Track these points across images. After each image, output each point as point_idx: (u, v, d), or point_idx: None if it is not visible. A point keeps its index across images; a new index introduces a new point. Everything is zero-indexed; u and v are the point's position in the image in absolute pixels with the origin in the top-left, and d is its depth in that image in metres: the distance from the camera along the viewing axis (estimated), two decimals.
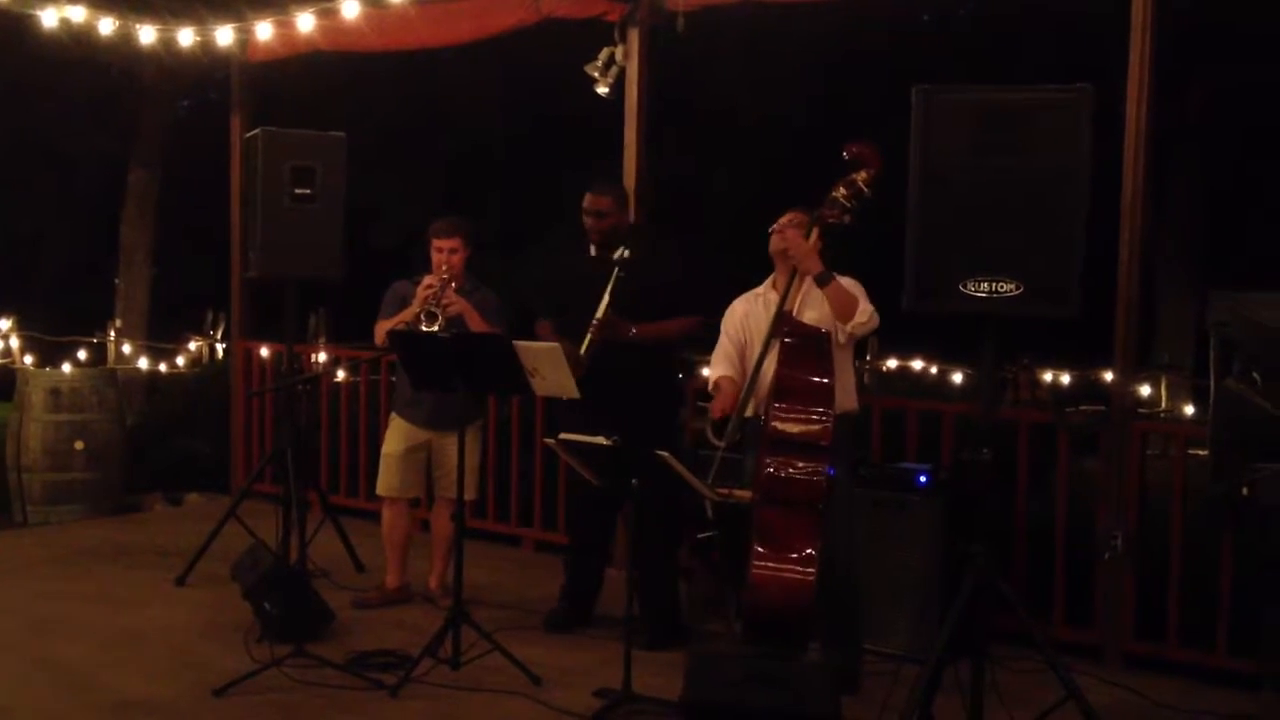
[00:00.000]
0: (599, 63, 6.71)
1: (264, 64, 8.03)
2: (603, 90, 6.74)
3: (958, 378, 14.65)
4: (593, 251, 5.72)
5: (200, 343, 12.96)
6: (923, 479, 5.49)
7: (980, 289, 3.95)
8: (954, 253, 4.00)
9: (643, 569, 5.60)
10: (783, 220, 5.06)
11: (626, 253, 5.43)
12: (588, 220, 5.68)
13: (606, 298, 5.41)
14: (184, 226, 13.64)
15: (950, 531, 5.40)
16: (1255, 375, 4.23)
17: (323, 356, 8.63)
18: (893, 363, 12.17)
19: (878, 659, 5.29)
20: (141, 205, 12.75)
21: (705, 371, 8.11)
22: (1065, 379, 17.22)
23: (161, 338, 11.65)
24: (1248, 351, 4.26)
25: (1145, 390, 14.12)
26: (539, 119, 12.96)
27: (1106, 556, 5.33)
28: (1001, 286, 3.93)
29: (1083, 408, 6.83)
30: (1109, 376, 14.20)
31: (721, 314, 5.29)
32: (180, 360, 12.06)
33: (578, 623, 5.83)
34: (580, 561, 5.89)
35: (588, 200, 5.70)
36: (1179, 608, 5.34)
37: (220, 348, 12.95)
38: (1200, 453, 6.10)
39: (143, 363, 10.45)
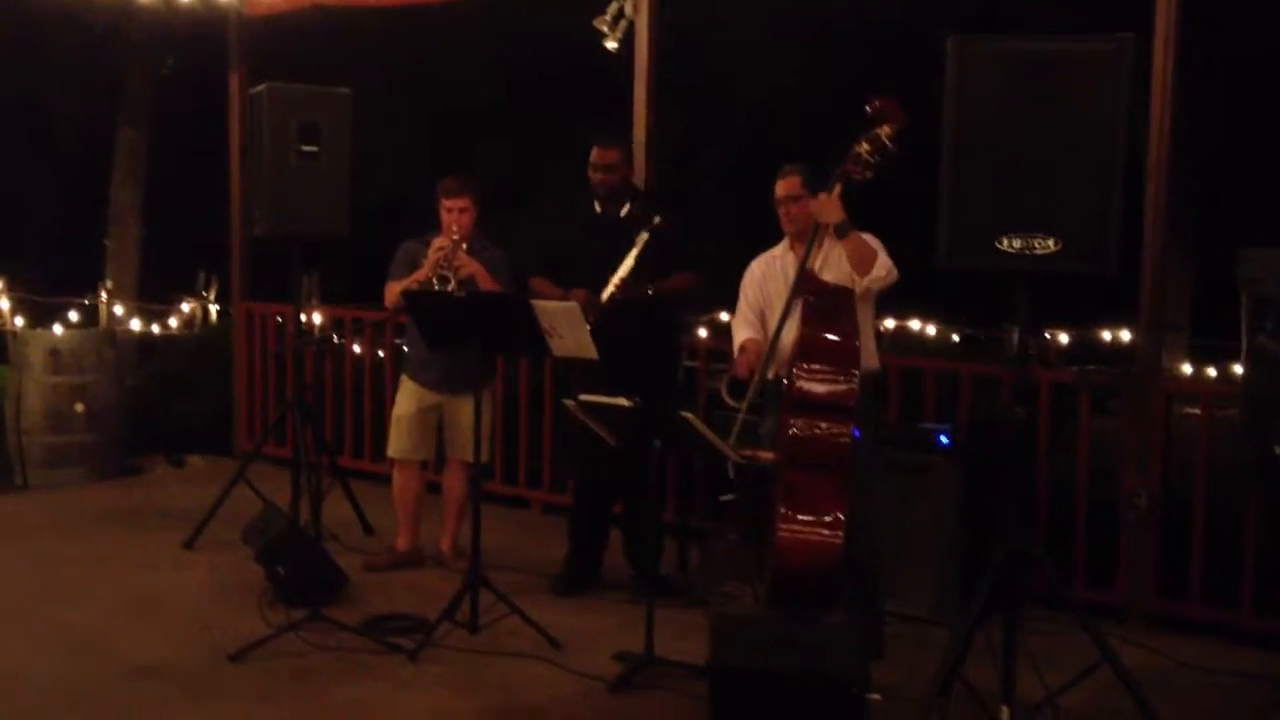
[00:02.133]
0: (608, 17, 6.59)
1: (264, 19, 7.88)
2: (612, 45, 6.61)
3: (956, 338, 14.61)
4: (597, 207, 5.63)
5: (193, 304, 12.83)
6: (943, 440, 5.42)
7: (1016, 245, 3.85)
8: (988, 208, 3.90)
9: (635, 525, 5.64)
10: (781, 188, 4.97)
11: (658, 219, 5.39)
12: (595, 175, 5.60)
13: (632, 260, 5.36)
14: (172, 186, 13.46)
15: (971, 492, 5.34)
16: None
17: (317, 317, 8.52)
18: (890, 323, 12.12)
19: (898, 621, 5.25)
20: (130, 165, 12.57)
21: (702, 332, 8.12)
22: (1063, 338, 17.20)
23: (152, 299, 11.54)
24: None
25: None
26: (538, 76, 12.77)
27: (1131, 517, 5.28)
28: (1038, 244, 3.84)
29: (1088, 367, 6.75)
30: (1107, 335, 14.13)
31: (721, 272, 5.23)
32: (173, 321, 11.94)
33: (586, 585, 5.78)
34: (585, 522, 5.82)
35: (595, 154, 5.61)
36: (1202, 567, 5.29)
37: (214, 309, 12.83)
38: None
39: (135, 324, 10.35)
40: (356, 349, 8.02)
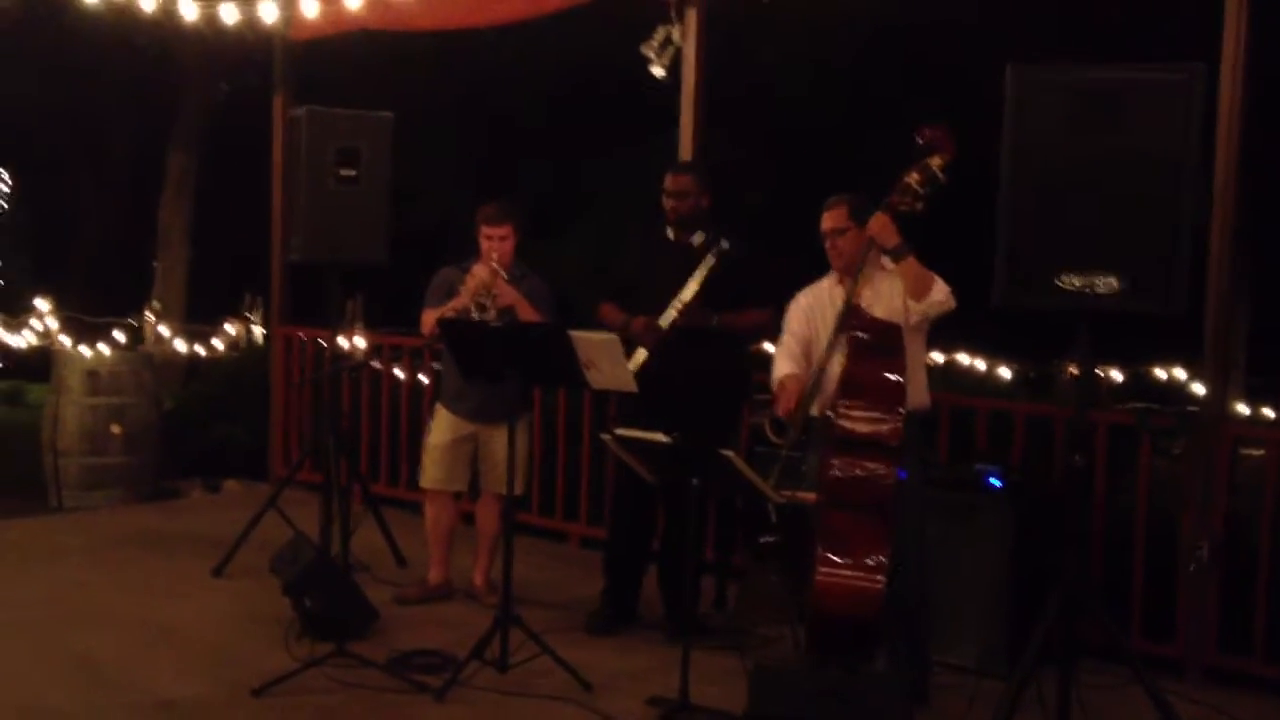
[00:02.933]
0: (655, 43, 6.46)
1: (307, 43, 7.84)
2: (659, 72, 6.48)
3: (1005, 373, 14.35)
4: (670, 234, 5.50)
5: (238, 326, 12.81)
6: (995, 481, 5.21)
7: (1077, 284, 3.67)
8: (1049, 243, 3.74)
9: (671, 562, 5.49)
10: (828, 220, 4.81)
11: (726, 244, 5.27)
12: (669, 201, 5.45)
13: (696, 285, 5.25)
14: (222, 209, 13.51)
15: (1022, 537, 5.13)
16: None
17: (360, 342, 8.43)
18: (938, 357, 11.88)
19: (943, 670, 5.04)
20: (180, 187, 12.66)
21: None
22: (1116, 375, 16.88)
23: (199, 320, 11.54)
24: None
25: (1199, 388, 13.81)
26: (583, 102, 12.70)
27: (1192, 568, 5.05)
28: (1101, 282, 3.65)
29: (1150, 407, 6.54)
30: (1161, 373, 13.81)
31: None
32: (218, 343, 11.93)
33: (622, 623, 5.62)
34: (622, 559, 5.66)
35: (669, 181, 5.48)
36: (1267, 620, 5.05)
37: (259, 331, 12.82)
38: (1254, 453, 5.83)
39: (180, 345, 10.33)
40: (399, 373, 7.90)
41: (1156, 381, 14.12)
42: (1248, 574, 5.10)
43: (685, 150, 6.41)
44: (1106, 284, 3.67)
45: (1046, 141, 3.75)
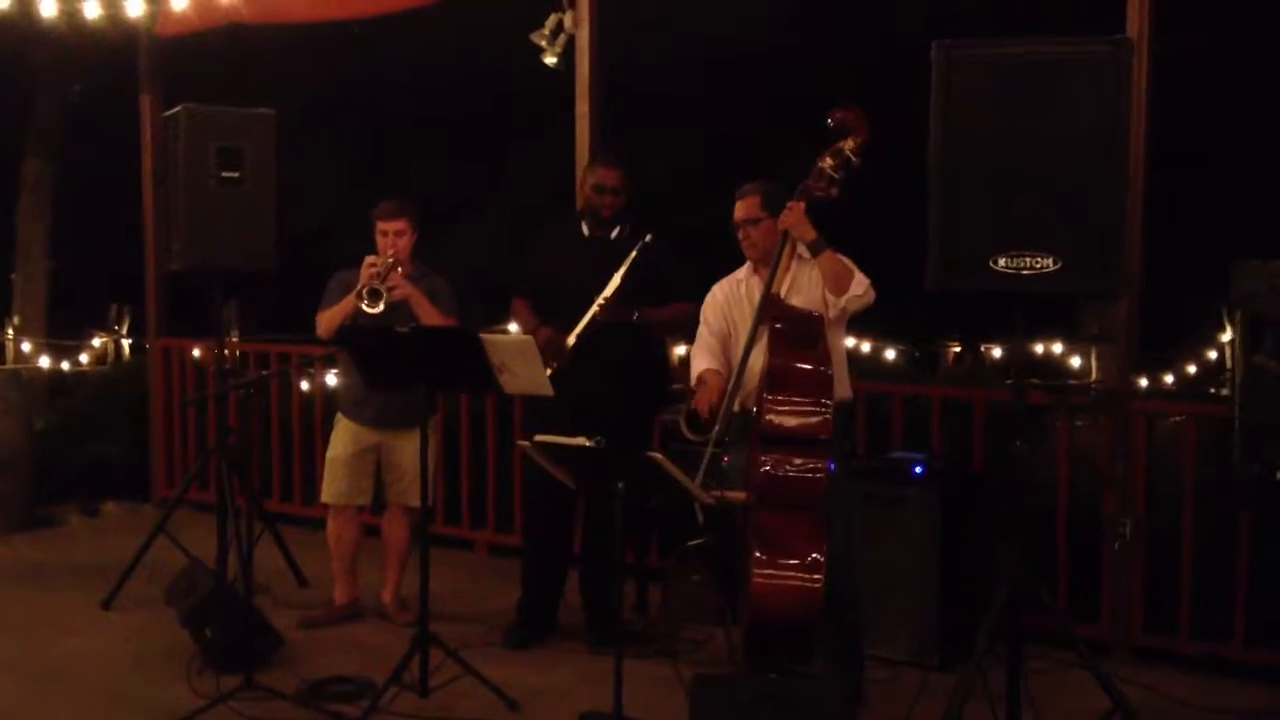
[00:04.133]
0: (545, 31, 6.26)
1: (174, 38, 7.45)
2: (551, 61, 6.28)
3: (890, 354, 14.45)
4: (585, 229, 5.28)
5: (105, 339, 12.25)
6: (919, 470, 5.12)
7: (1014, 265, 3.57)
8: (982, 225, 3.63)
9: (594, 569, 5.33)
10: (740, 210, 4.67)
11: (649, 237, 5.06)
12: (604, 198, 5.21)
13: (618, 280, 5.02)
14: (83, 217, 12.90)
15: (948, 525, 5.04)
16: None
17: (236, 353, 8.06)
18: None
19: (874, 664, 4.93)
20: (37, 196, 12.04)
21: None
22: (996, 352, 17.13)
23: (61, 334, 10.99)
24: None
25: (1076, 361, 14.10)
26: (470, 94, 12.39)
27: (1116, 546, 5.02)
28: (1038, 262, 3.56)
29: (1067, 384, 6.55)
30: (1058, 349, 14.05)
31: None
32: (84, 358, 11.37)
33: (541, 635, 5.41)
34: (540, 567, 5.45)
35: (600, 175, 5.23)
36: (1191, 598, 5.05)
37: (126, 344, 12.26)
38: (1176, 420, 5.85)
39: (44, 361, 9.83)
40: (305, 386, 7.56)
41: (1035, 357, 14.36)
42: (1170, 551, 5.09)
43: (582, 142, 6.20)
44: (1043, 265, 3.57)
45: (975, 119, 3.65)
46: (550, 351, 4.92)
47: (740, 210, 4.68)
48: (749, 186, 4.71)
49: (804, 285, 4.58)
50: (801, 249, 4.47)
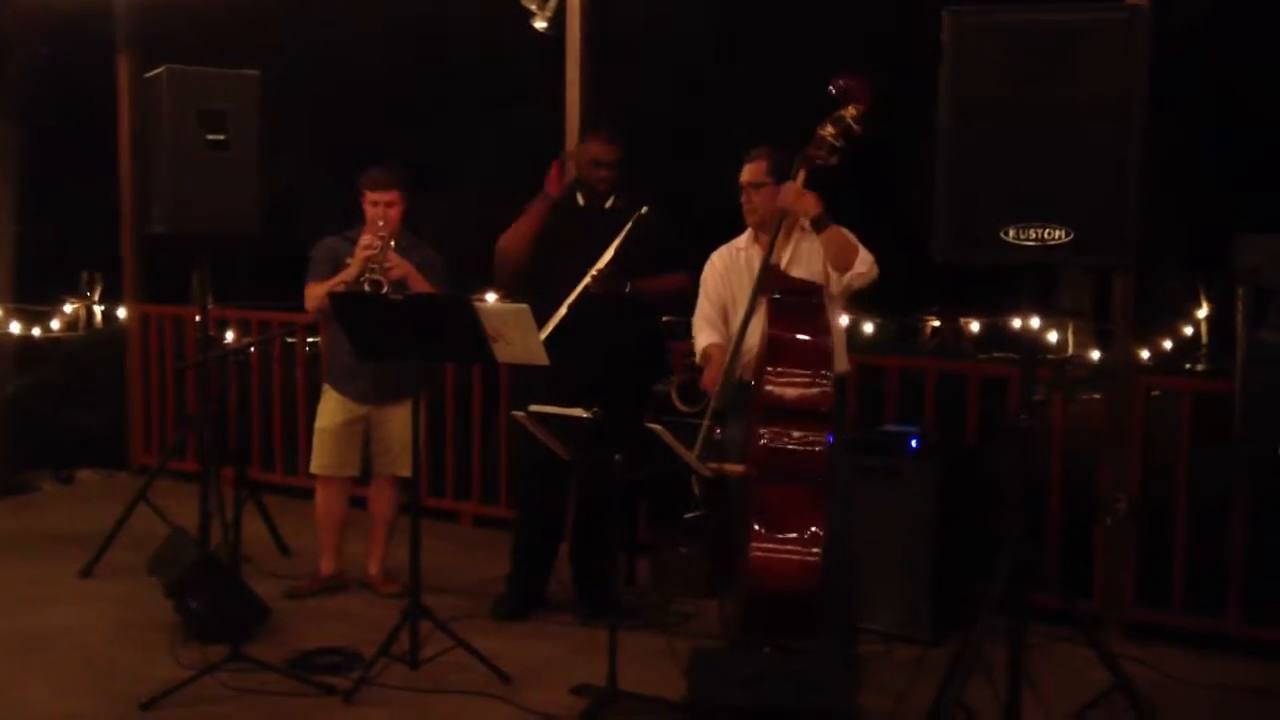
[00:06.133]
0: None
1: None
2: (540, 25, 6.17)
3: (869, 328, 14.45)
4: (580, 199, 5.19)
5: (77, 305, 12.06)
6: (913, 443, 5.09)
7: (1026, 237, 3.52)
8: (993, 196, 3.56)
9: (586, 541, 5.26)
10: (747, 173, 4.59)
11: (645, 209, 4.98)
12: (599, 172, 5.13)
13: (612, 251, 4.93)
14: (53, 181, 12.68)
15: (942, 499, 5.01)
16: None
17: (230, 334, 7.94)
18: None
19: (867, 637, 4.90)
20: (2, 159, 11.81)
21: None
22: (974, 326, 17.14)
23: (30, 300, 10.81)
24: None
25: (1052, 336, 14.14)
26: (450, 58, 12.23)
27: (1109, 521, 5.00)
28: (1050, 234, 3.51)
29: (1066, 359, 6.53)
30: (1016, 323, 14.11)
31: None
32: (55, 324, 11.20)
33: (529, 607, 5.35)
34: (532, 540, 5.39)
35: (597, 150, 5.13)
36: (1184, 572, 5.04)
37: (99, 310, 12.07)
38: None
39: (14, 327, 9.66)
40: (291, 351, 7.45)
41: (1012, 331, 14.40)
42: (1164, 525, 5.08)
43: (573, 109, 6.10)
44: (1054, 237, 3.52)
45: (986, 88, 3.58)
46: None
47: (747, 173, 4.62)
48: (759, 150, 4.63)
49: (804, 256, 4.52)
50: (804, 221, 4.41)
